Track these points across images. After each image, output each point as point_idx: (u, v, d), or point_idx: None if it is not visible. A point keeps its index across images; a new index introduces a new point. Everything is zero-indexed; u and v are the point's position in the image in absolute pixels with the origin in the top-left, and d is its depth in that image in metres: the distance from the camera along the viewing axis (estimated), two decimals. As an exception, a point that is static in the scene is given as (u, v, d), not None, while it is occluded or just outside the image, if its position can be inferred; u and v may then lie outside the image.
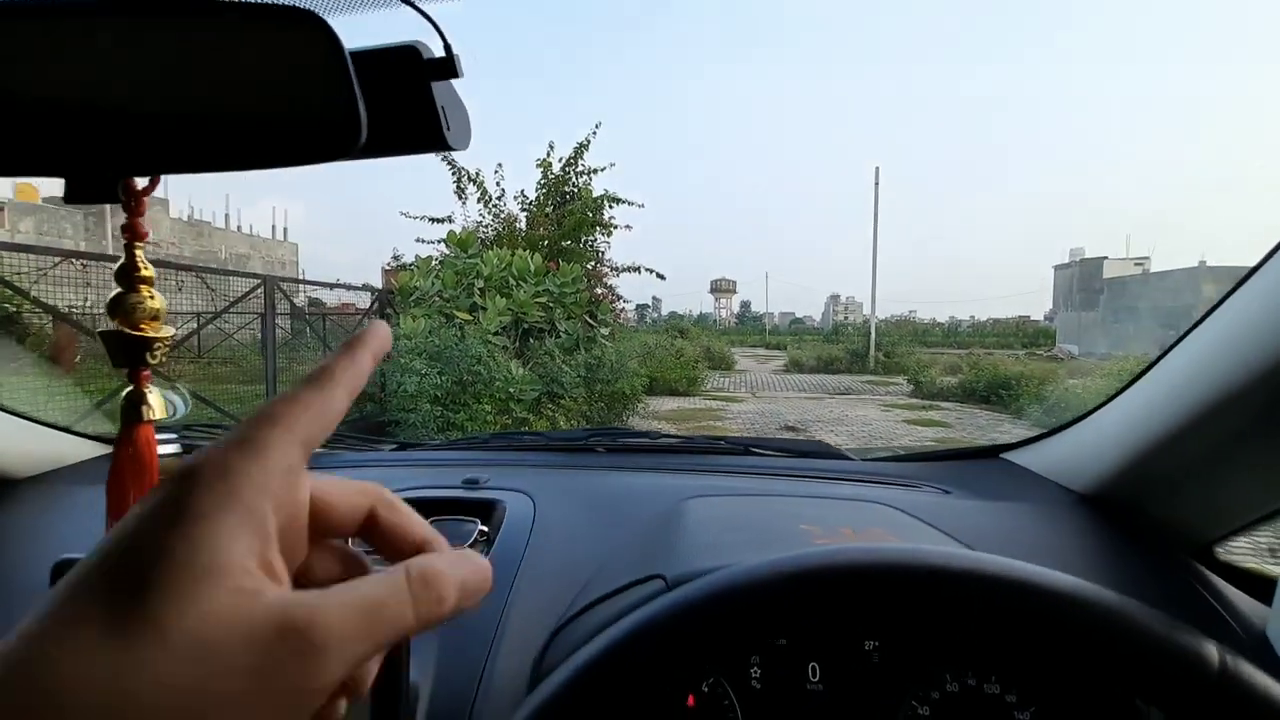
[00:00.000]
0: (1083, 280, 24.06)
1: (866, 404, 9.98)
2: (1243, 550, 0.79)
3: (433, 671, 0.54)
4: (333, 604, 0.18)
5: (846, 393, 11.59)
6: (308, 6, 0.32)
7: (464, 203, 8.03)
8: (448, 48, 0.37)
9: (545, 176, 8.03)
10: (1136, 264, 24.47)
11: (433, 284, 6.16)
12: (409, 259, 7.21)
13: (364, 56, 0.36)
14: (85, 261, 4.71)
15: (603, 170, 8.08)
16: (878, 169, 20.40)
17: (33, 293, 4.29)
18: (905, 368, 13.90)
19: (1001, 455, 0.98)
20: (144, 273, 0.38)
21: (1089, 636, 0.39)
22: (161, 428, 1.18)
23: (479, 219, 8.07)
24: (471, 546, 0.73)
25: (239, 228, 29.59)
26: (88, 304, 4.56)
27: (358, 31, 0.38)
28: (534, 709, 0.38)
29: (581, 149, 7.92)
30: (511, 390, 5.27)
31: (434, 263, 6.65)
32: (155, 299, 0.38)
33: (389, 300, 6.60)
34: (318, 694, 0.17)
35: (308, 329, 7.33)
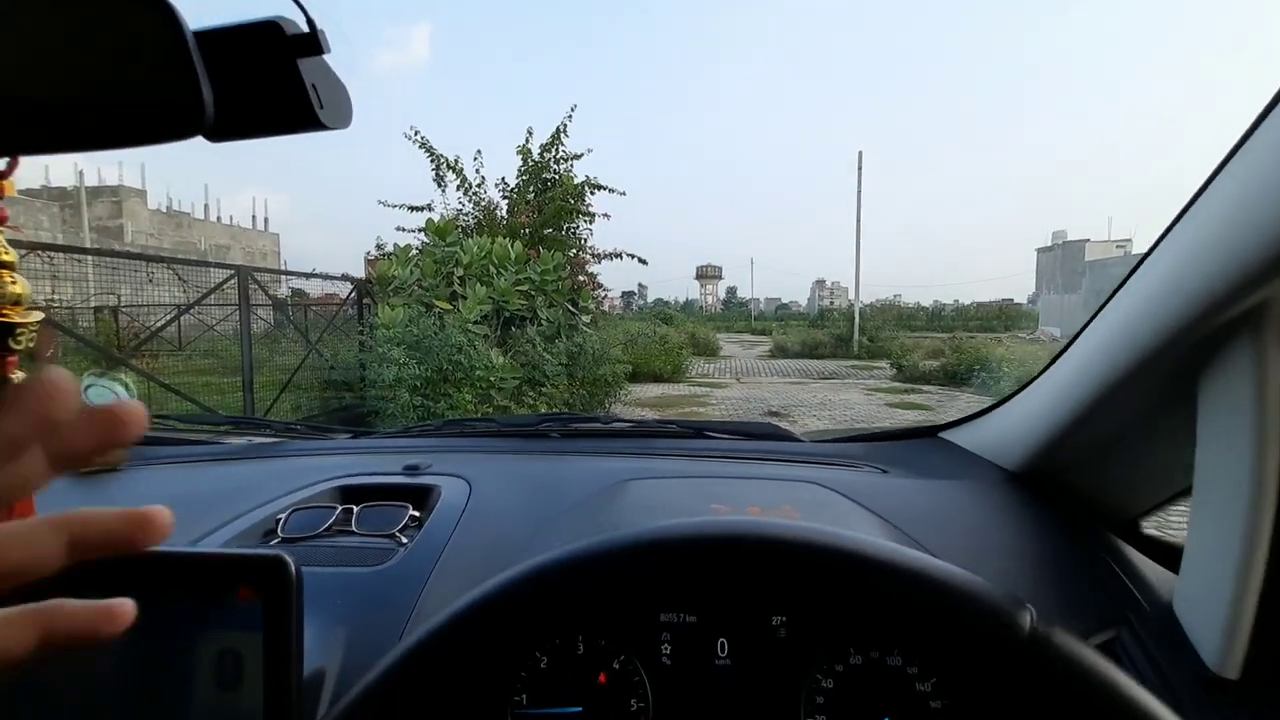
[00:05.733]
0: (1065, 263, 24.28)
1: (850, 388, 10.05)
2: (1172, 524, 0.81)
3: (340, 656, 0.54)
4: None
5: (831, 377, 11.67)
6: None
7: (443, 190, 7.94)
8: (310, 23, 0.37)
9: (525, 163, 7.94)
10: (1118, 246, 24.68)
11: (411, 273, 6.10)
12: (392, 248, 7.11)
13: (221, 34, 0.35)
14: (53, 254, 4.60)
15: (581, 156, 8.01)
16: (860, 153, 20.45)
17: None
18: (889, 352, 14.01)
19: (940, 434, 1.00)
20: (3, 257, 0.37)
21: (904, 599, 0.42)
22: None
23: (459, 207, 7.99)
24: (401, 531, 0.73)
25: (219, 218, 29.14)
26: (55, 295, 4.46)
27: (246, 8, 0.37)
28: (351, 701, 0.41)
29: (559, 133, 7.83)
30: (492, 379, 5.25)
31: (412, 252, 6.57)
32: (17, 283, 0.37)
33: (368, 290, 6.54)
34: None
35: (288, 320, 7.24)
